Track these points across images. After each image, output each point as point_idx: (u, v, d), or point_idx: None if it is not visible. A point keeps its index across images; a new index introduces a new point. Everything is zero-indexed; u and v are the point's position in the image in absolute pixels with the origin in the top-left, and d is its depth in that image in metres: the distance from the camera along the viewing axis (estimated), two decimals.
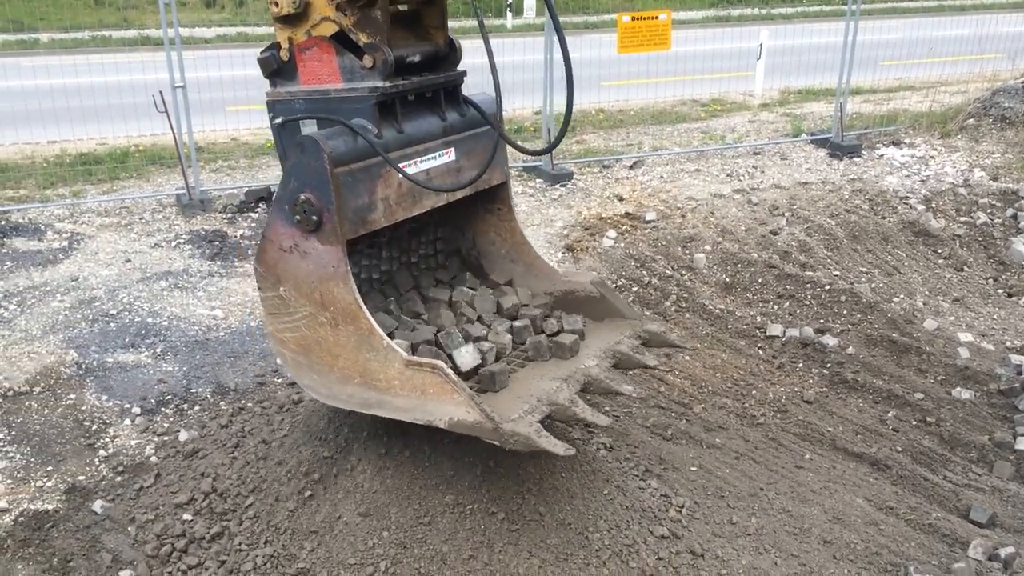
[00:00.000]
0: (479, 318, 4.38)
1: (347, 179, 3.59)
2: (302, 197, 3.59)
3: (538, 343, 4.18)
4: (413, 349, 3.90)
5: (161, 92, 8.30)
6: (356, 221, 3.66)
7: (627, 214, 8.34)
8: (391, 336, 3.89)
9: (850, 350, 6.45)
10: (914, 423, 5.76)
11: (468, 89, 4.34)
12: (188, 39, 17.27)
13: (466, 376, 3.89)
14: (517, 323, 4.32)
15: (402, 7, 3.97)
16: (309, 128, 3.83)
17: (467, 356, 3.94)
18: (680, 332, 6.62)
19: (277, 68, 3.92)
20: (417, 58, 3.95)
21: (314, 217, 3.59)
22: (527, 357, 4.18)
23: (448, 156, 4.10)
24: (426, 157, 3.97)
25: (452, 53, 4.12)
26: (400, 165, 3.76)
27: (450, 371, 3.49)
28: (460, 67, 4.19)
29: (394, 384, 3.62)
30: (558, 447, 3.50)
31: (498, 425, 3.41)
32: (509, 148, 4.31)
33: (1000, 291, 7.91)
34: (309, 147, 3.55)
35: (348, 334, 3.69)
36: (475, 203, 4.56)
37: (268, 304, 3.92)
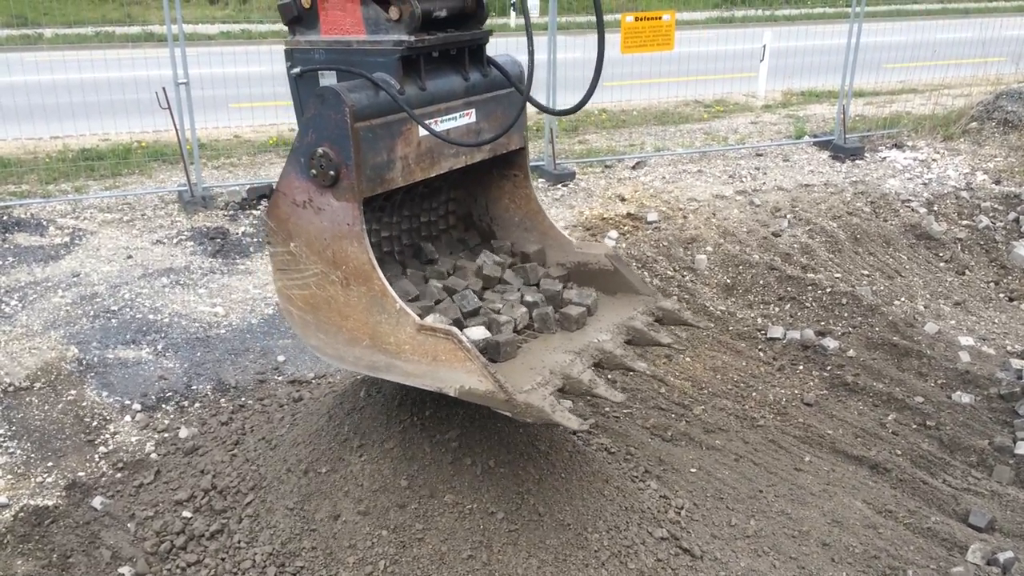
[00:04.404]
0: (502, 290, 4.30)
1: (367, 135, 3.47)
2: (320, 151, 3.47)
3: (545, 315, 4.07)
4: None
5: (164, 88, 8.30)
6: (374, 179, 3.54)
7: (629, 214, 8.34)
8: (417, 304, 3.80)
9: (851, 353, 6.44)
10: (914, 427, 5.76)
11: None
12: (192, 35, 17.30)
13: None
14: (535, 297, 4.20)
15: None
16: (328, 80, 3.69)
17: (475, 333, 3.82)
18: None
19: (297, 15, 3.76)
20: (444, 13, 3.79)
21: (331, 172, 3.46)
22: (535, 329, 4.09)
23: (469, 117, 3.98)
24: (447, 117, 3.85)
25: (479, 10, 3.95)
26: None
27: (464, 338, 3.37)
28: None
29: (405, 348, 3.51)
30: (572, 421, 3.41)
31: (511, 396, 3.30)
32: (528, 115, 4.19)
33: (1001, 295, 7.91)
34: (330, 99, 3.42)
35: (359, 295, 3.58)
36: (490, 169, 4.45)
37: (277, 260, 3.80)
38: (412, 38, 3.59)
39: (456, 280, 4.20)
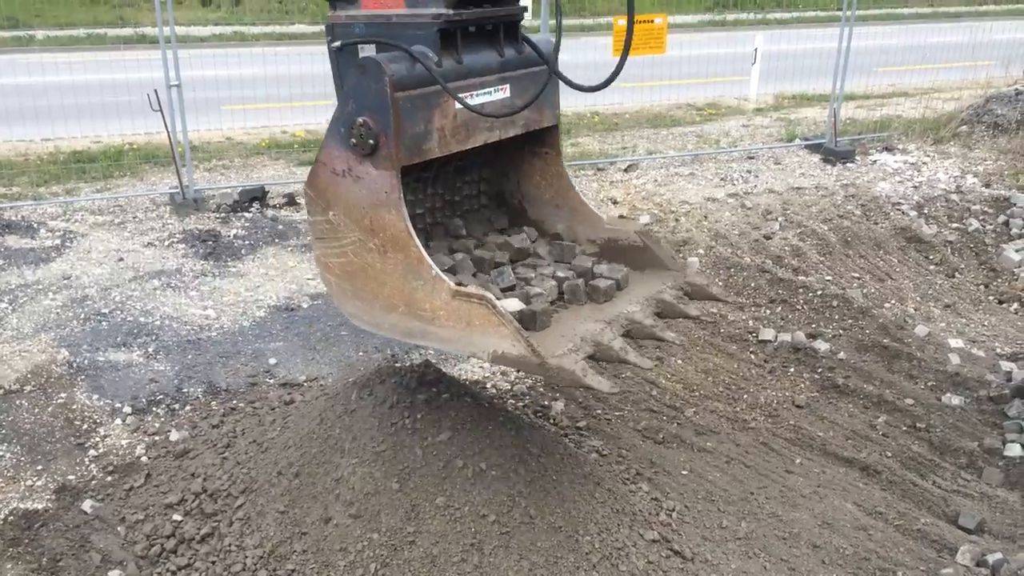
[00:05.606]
0: (533, 263, 4.36)
1: (406, 105, 3.56)
2: (360, 120, 3.56)
3: (575, 287, 4.13)
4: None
5: (156, 90, 8.29)
6: (412, 148, 3.64)
7: (621, 217, 8.36)
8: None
9: (841, 355, 6.47)
10: (904, 429, 5.79)
11: None
12: (184, 37, 17.26)
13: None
14: (567, 273, 4.25)
15: None
16: (368, 53, 3.78)
17: (510, 305, 3.85)
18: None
19: None
20: None
21: (371, 141, 3.57)
22: (564, 301, 4.15)
23: (503, 92, 4.07)
24: (482, 91, 3.94)
25: None
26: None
27: (498, 303, 3.45)
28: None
29: (439, 314, 3.59)
30: (604, 384, 3.49)
31: (544, 360, 3.38)
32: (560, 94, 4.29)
33: (991, 298, 7.95)
34: (371, 69, 3.51)
35: (396, 262, 3.67)
36: (522, 146, 4.53)
37: (316, 229, 3.90)
38: (450, 11, 3.69)
39: (483, 252, 4.25)
